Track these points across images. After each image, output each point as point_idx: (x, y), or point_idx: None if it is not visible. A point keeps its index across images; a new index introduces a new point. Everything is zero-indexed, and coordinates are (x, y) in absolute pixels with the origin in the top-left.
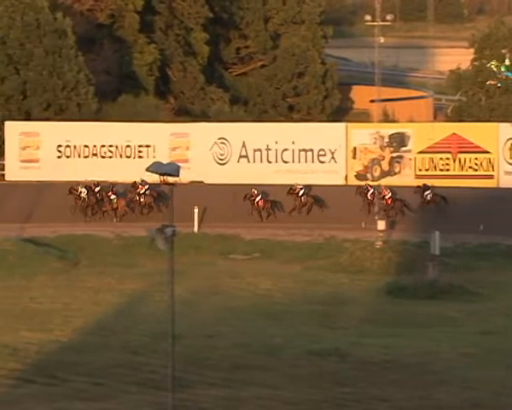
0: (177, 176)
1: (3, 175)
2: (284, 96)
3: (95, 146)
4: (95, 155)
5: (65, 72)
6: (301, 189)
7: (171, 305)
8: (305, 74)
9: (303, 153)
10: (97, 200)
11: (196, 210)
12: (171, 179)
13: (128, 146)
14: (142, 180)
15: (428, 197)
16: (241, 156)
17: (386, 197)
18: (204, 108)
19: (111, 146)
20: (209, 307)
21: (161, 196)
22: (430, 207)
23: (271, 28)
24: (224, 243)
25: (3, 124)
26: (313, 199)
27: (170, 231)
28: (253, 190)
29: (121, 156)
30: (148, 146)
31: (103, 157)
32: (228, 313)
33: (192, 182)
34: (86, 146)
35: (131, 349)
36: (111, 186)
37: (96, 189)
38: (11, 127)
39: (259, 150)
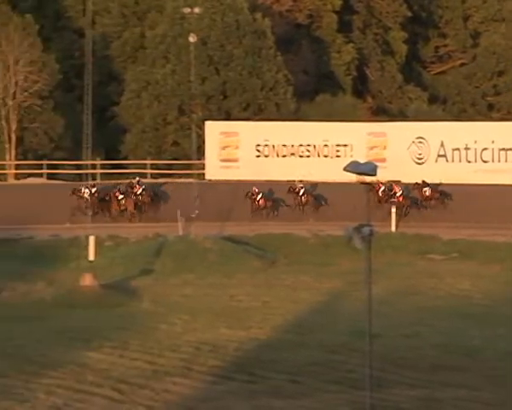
0: (375, 175)
1: (204, 174)
2: (484, 95)
3: (293, 145)
4: (292, 154)
5: (264, 72)
6: (302, 187)
7: (369, 304)
8: (505, 73)
9: (503, 152)
10: (101, 200)
11: (393, 209)
12: (368, 179)
13: (325, 145)
14: (139, 180)
15: (427, 193)
16: (439, 156)
17: (398, 194)
18: (402, 107)
19: (309, 145)
20: (407, 306)
21: (158, 196)
22: (430, 204)
23: (471, 26)
24: (421, 243)
25: (204, 124)
26: (314, 198)
27: (367, 230)
28: (253, 188)
29: (319, 156)
30: (345, 145)
31: (301, 156)
32: (426, 314)
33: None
34: (284, 145)
35: (328, 348)
36: (117, 186)
37: (93, 189)
38: (211, 127)
39: (458, 150)
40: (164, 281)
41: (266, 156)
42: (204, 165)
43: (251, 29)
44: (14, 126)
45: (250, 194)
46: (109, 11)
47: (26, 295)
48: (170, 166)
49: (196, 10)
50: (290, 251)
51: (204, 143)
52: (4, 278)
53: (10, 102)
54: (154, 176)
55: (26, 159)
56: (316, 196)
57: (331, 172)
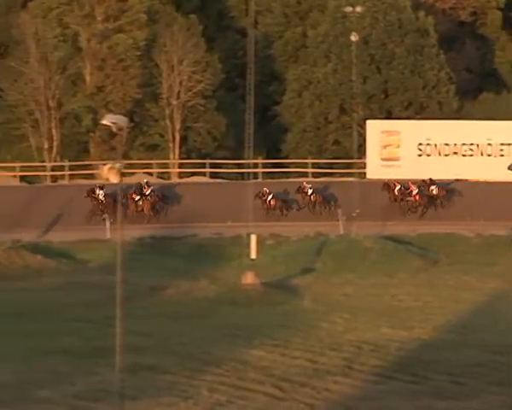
0: None
1: (364, 173)
2: None
3: (455, 144)
4: (455, 153)
5: (426, 70)
6: (310, 188)
7: None
8: None
9: None
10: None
11: None
12: None
13: (489, 144)
14: (147, 182)
15: (434, 191)
16: None
17: (414, 193)
18: None
19: (472, 144)
20: None
21: (165, 197)
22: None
23: None
24: None
25: (365, 123)
26: (323, 198)
27: None
28: (264, 188)
29: (482, 155)
30: (509, 144)
31: (463, 155)
32: None
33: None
34: (447, 144)
35: (491, 348)
36: (134, 187)
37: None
38: (373, 126)
39: None
40: (325, 280)
41: (428, 155)
42: (365, 164)
43: (413, 27)
44: (177, 126)
45: (261, 194)
46: (271, 11)
47: (190, 293)
48: (331, 166)
49: (358, 9)
50: (453, 251)
51: (365, 142)
52: (168, 276)
53: (174, 102)
54: (315, 175)
55: (189, 158)
56: (325, 196)
57: (494, 171)
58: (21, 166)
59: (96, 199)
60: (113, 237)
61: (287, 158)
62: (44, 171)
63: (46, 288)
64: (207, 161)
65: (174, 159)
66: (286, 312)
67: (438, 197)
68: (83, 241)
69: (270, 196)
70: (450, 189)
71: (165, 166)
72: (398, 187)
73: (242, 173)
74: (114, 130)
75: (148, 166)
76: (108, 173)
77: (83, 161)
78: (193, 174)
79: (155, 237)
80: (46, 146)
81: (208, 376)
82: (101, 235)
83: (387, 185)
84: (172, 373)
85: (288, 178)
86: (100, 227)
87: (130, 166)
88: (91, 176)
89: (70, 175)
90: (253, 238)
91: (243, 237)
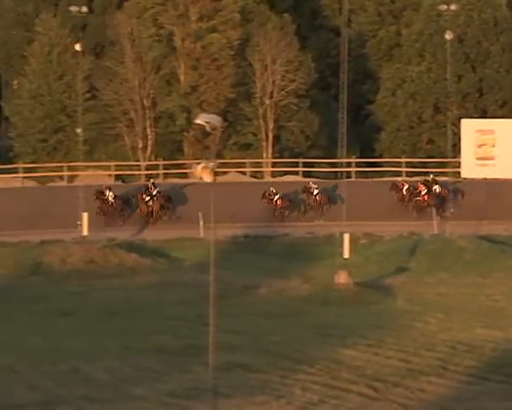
0: None
1: (459, 172)
2: None
3: None
4: None
5: None
6: (316, 188)
7: None
8: None
9: None
10: (125, 202)
11: None
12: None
13: None
14: (153, 183)
15: (437, 191)
16: None
17: (423, 193)
18: None
19: None
20: None
21: (170, 198)
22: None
23: None
24: None
25: (460, 122)
26: (327, 198)
27: None
28: (271, 188)
29: None
30: None
31: None
32: None
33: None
34: None
35: None
36: (144, 188)
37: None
38: (467, 125)
39: None
40: (418, 279)
41: None
42: (459, 163)
43: (509, 25)
44: (271, 125)
45: (267, 194)
46: (365, 10)
47: (282, 292)
48: (425, 165)
49: (453, 7)
50: None
51: (459, 141)
52: (261, 275)
53: (267, 101)
54: (408, 174)
55: (282, 157)
56: (329, 197)
57: None
58: (116, 165)
59: (106, 201)
60: (207, 235)
61: (380, 157)
62: (139, 170)
63: (141, 286)
64: (300, 160)
65: (267, 158)
66: (379, 311)
67: (445, 197)
68: (176, 239)
69: (277, 197)
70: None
71: (259, 165)
72: (405, 187)
73: (335, 172)
74: (208, 129)
75: (242, 165)
76: (202, 172)
77: (177, 160)
78: (285, 173)
79: (248, 235)
80: (141, 145)
81: (301, 375)
82: (195, 233)
83: (395, 185)
84: (265, 372)
85: (381, 177)
86: (194, 225)
87: (224, 165)
88: (185, 175)
89: (164, 174)
90: (346, 237)
91: (336, 237)
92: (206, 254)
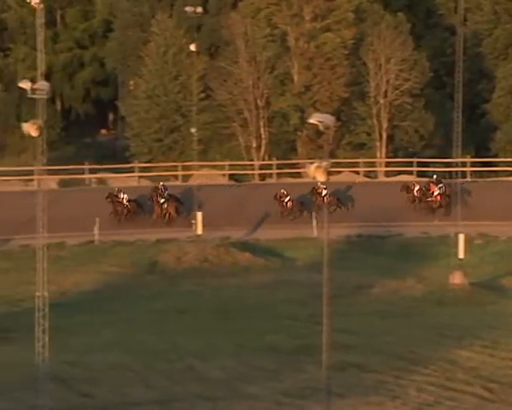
0: None
1: None
2: None
3: None
4: None
5: None
6: (325, 189)
7: None
8: None
9: None
10: (140, 205)
11: None
12: None
13: None
14: (163, 185)
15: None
16: None
17: (435, 194)
18: None
19: None
20: None
21: (179, 200)
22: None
23: None
24: None
25: None
26: (336, 199)
27: None
28: (282, 190)
29: None
30: None
31: None
32: None
33: None
34: None
35: None
36: (159, 190)
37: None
38: None
39: None
40: None
41: None
42: None
43: None
44: (385, 125)
45: (278, 196)
46: (481, 8)
47: (396, 292)
48: None
49: None
50: None
51: None
52: (375, 274)
53: (382, 101)
54: None
55: (396, 156)
56: (338, 198)
57: None
58: (230, 165)
59: (121, 203)
60: (320, 235)
61: (495, 157)
62: (252, 169)
63: (254, 285)
64: (414, 160)
65: (381, 158)
66: (495, 312)
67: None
68: (290, 239)
69: (288, 198)
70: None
71: (372, 164)
72: (417, 187)
73: (450, 172)
74: (321, 128)
75: (355, 164)
76: (315, 172)
77: (290, 159)
78: (399, 173)
79: (362, 235)
80: (254, 145)
81: (416, 376)
82: (308, 233)
83: (406, 186)
84: (379, 372)
85: (496, 177)
86: (307, 226)
87: (337, 164)
88: (298, 175)
89: (278, 174)
90: (461, 238)
91: (451, 237)
92: (319, 253)
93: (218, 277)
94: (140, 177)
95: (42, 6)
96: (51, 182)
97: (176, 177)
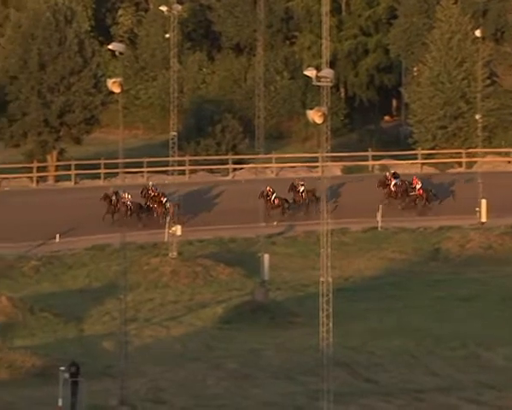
0: None
1: None
2: None
3: None
4: None
5: None
6: (302, 185)
7: None
8: None
9: None
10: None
11: None
12: None
13: None
14: (153, 184)
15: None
16: None
17: (418, 187)
18: None
19: None
20: None
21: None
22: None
23: None
24: None
25: None
26: (313, 195)
27: None
28: (268, 187)
29: None
30: None
31: None
32: None
33: None
34: None
35: None
36: (160, 190)
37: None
38: None
39: None
40: None
41: None
42: None
43: None
44: None
45: (265, 194)
46: None
47: None
48: None
49: None
50: None
51: None
52: None
53: None
54: None
55: None
56: (315, 194)
57: None
58: None
59: (125, 204)
60: None
61: None
62: None
63: None
64: None
65: None
66: None
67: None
68: None
69: (274, 196)
70: None
71: None
72: (394, 182)
73: None
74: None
75: None
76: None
77: None
78: None
79: None
80: None
81: None
82: None
83: (383, 182)
84: None
85: None
86: None
87: None
88: None
89: None
90: None
91: None
92: None
93: (502, 265)
94: (423, 164)
95: None
96: (335, 168)
97: (459, 164)
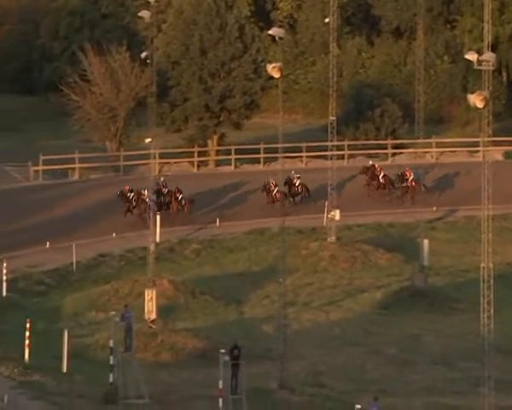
0: None
1: None
2: None
3: None
4: None
5: None
6: (298, 178)
7: None
8: None
9: None
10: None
11: None
12: None
13: None
14: (164, 180)
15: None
16: None
17: (410, 179)
18: None
19: None
20: None
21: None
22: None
23: None
24: None
25: None
26: (306, 189)
27: None
28: (271, 180)
29: None
30: None
31: None
32: None
33: None
34: None
35: None
36: (175, 187)
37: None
38: None
39: None
40: None
41: None
42: None
43: None
44: None
45: (267, 187)
46: None
47: None
48: None
49: None
50: None
51: None
52: None
53: None
54: None
55: None
56: (307, 188)
57: None
58: None
59: (144, 201)
60: None
61: None
62: None
63: None
64: None
65: None
66: None
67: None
68: None
69: (276, 190)
70: None
71: None
72: (382, 174)
73: None
74: None
75: None
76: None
77: None
78: None
79: None
80: None
81: None
82: None
83: (372, 173)
84: None
85: None
86: None
87: None
88: None
89: None
90: None
91: None
92: None
93: None
94: None
95: None
96: (496, 153)
97: None
